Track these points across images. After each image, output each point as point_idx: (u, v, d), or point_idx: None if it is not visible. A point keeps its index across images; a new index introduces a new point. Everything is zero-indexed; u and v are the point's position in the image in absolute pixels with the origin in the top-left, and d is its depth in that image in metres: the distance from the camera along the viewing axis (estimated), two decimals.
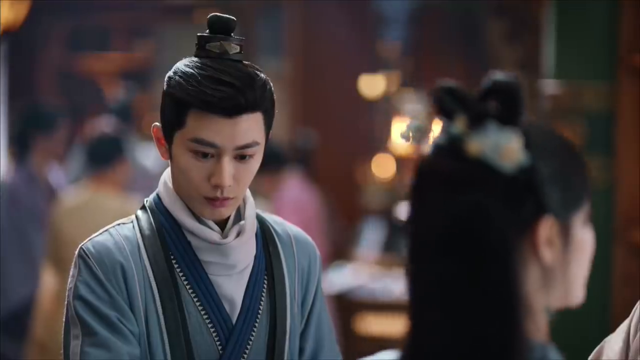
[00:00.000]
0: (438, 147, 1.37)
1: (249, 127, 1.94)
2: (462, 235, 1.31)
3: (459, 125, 1.35)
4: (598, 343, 2.09)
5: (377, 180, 8.01)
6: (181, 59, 2.01)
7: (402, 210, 7.24)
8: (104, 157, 5.11)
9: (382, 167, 8.18)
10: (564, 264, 1.38)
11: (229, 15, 2.05)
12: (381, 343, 6.56)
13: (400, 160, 8.01)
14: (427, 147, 1.38)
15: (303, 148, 6.32)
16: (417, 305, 1.35)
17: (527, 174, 1.33)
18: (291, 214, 5.06)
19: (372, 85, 8.74)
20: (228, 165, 1.94)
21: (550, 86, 4.56)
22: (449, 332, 1.31)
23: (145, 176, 6.14)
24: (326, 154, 7.62)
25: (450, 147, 1.35)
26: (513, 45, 7.88)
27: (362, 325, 6.76)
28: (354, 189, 8.33)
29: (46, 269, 5.07)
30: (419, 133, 1.41)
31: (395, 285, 6.95)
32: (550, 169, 1.36)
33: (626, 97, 4.29)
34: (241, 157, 1.96)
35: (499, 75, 1.37)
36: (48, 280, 5.03)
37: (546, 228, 1.35)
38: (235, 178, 1.96)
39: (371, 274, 7.17)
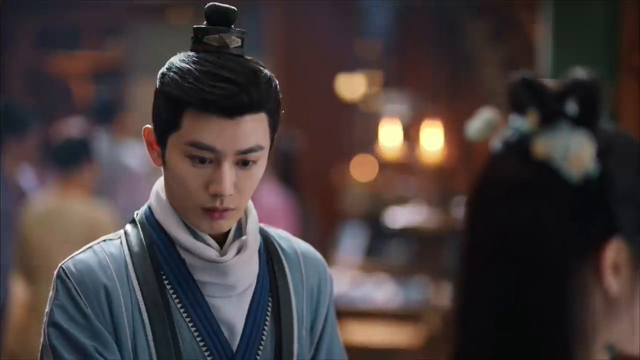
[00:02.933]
0: (505, 145, 1.24)
1: (252, 129, 1.75)
2: (519, 247, 1.20)
3: (530, 121, 1.22)
4: None
5: (358, 183, 7.89)
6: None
7: (390, 215, 7.18)
8: (70, 159, 4.94)
9: (364, 170, 8.06)
10: (632, 296, 1.23)
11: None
12: (364, 353, 6.42)
13: (383, 163, 7.88)
14: (495, 145, 1.26)
15: (285, 151, 6.13)
16: (465, 316, 1.25)
17: (598, 187, 1.19)
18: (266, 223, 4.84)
19: (353, 85, 8.60)
20: (229, 171, 1.76)
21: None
22: (495, 350, 1.20)
23: (129, 177, 5.99)
24: (307, 155, 7.47)
25: (517, 145, 1.23)
26: (496, 45, 7.82)
27: (343, 334, 6.58)
28: (333, 191, 8.18)
29: (16, 278, 4.94)
30: (490, 128, 1.26)
31: (377, 292, 6.80)
32: (626, 184, 1.22)
33: (628, 99, 4.15)
34: (243, 162, 1.77)
35: (580, 73, 1.23)
36: (18, 291, 4.90)
37: (613, 251, 1.20)
38: (236, 186, 1.77)
39: (352, 278, 7.02)
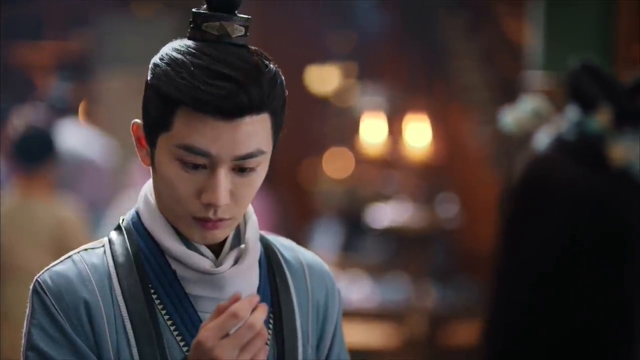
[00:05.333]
0: (562, 144, 1.06)
1: (253, 132, 1.59)
2: (584, 267, 1.03)
3: (601, 119, 1.04)
4: None
5: (333, 179, 7.76)
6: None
7: (369, 211, 7.00)
8: (34, 155, 4.69)
9: (339, 165, 7.92)
10: None
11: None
12: None
13: (360, 158, 7.73)
14: (542, 140, 1.08)
15: None
16: (508, 334, 1.09)
17: None
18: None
19: (327, 77, 8.48)
20: (224, 179, 1.59)
21: (537, 78, 4.24)
22: None
23: (93, 171, 5.82)
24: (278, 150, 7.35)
25: (582, 146, 1.05)
26: (473, 38, 7.72)
27: None
28: (305, 187, 8.03)
29: None
30: (537, 120, 1.06)
31: (352, 289, 6.65)
32: None
33: None
34: (241, 169, 1.61)
35: None
36: None
37: None
38: (232, 195, 1.61)
39: None
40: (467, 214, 7.08)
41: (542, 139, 1.08)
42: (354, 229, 7.23)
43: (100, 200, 5.88)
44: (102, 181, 6.16)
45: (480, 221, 7.08)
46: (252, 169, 1.61)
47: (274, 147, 1.65)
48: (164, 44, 1.65)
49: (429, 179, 7.32)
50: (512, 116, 1.14)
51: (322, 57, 8.59)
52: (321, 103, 8.59)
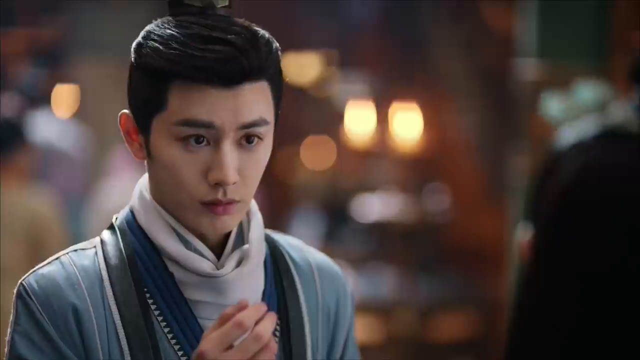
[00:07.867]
0: (624, 138, 0.92)
1: (254, 100, 1.49)
2: None
3: None
4: None
5: (314, 169, 7.68)
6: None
7: (353, 202, 6.90)
8: (4, 144, 4.57)
9: (318, 155, 7.83)
10: None
11: None
12: None
13: (342, 148, 7.65)
14: (589, 130, 0.96)
15: None
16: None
17: None
18: None
19: (306, 65, 8.45)
20: (231, 153, 1.48)
21: (530, 66, 4.13)
22: None
23: (64, 161, 5.69)
24: None
25: None
26: (456, 26, 7.66)
27: None
28: (285, 178, 7.94)
29: None
30: (593, 106, 0.95)
31: None
32: None
33: (623, 81, 3.87)
34: (247, 140, 1.49)
35: None
36: None
37: None
38: (240, 173, 1.50)
39: None
40: (453, 205, 7.00)
41: (589, 129, 0.95)
42: (337, 220, 7.16)
43: (74, 191, 5.77)
44: (75, 172, 6.05)
45: (466, 213, 7.01)
46: (259, 139, 1.50)
47: (275, 122, 1.54)
48: (138, 32, 1.53)
49: (412, 169, 7.25)
50: (560, 102, 1.02)
51: (302, 44, 8.53)
52: (300, 91, 8.52)
